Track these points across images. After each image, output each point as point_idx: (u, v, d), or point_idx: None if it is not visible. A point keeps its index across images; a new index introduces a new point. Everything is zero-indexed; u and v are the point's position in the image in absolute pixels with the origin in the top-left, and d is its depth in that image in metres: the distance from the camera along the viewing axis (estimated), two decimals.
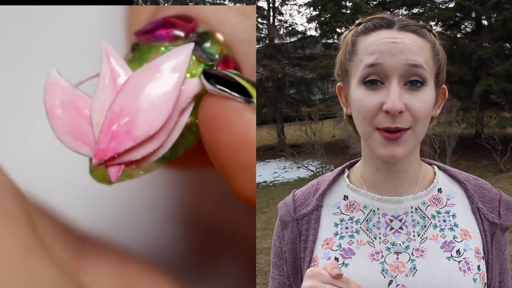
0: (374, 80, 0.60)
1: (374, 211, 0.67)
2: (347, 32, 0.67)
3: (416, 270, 0.63)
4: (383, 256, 0.64)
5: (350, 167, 0.73)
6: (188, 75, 0.55)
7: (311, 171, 7.82)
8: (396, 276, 0.63)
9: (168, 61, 0.53)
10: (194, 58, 0.55)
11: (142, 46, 0.56)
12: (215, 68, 0.56)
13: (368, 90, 0.61)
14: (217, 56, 0.56)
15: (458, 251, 0.64)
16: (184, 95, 0.53)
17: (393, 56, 0.60)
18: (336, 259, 0.65)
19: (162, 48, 0.56)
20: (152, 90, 0.52)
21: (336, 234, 0.67)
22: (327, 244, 0.67)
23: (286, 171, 8.58)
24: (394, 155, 0.61)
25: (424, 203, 0.67)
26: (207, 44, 0.56)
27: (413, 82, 0.60)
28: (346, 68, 0.65)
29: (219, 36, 0.57)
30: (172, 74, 0.52)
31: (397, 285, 0.63)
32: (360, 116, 0.62)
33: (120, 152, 0.52)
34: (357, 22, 0.66)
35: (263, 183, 7.76)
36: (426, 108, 0.61)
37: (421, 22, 0.64)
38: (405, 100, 0.59)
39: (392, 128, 0.59)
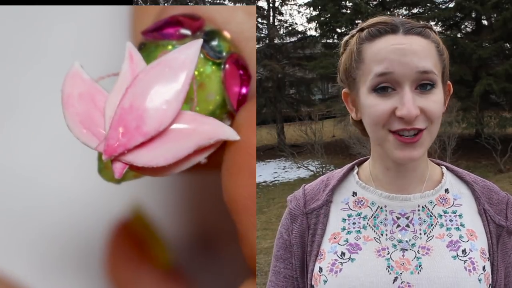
0: (385, 87, 0.61)
1: (381, 208, 0.68)
2: (348, 37, 0.67)
3: (422, 268, 0.63)
4: (389, 253, 0.65)
5: (359, 164, 0.74)
6: (196, 72, 0.55)
7: (311, 171, 7.81)
8: (401, 273, 0.63)
9: (177, 56, 0.53)
10: (202, 56, 0.55)
11: (149, 45, 0.57)
12: (222, 66, 0.56)
13: (380, 97, 0.61)
14: (224, 54, 0.56)
15: (464, 251, 0.64)
16: (208, 134, 0.53)
17: (403, 65, 0.60)
18: (343, 253, 0.66)
19: (170, 47, 0.56)
20: (162, 86, 0.52)
21: (343, 229, 0.68)
22: (334, 238, 0.68)
23: (286, 171, 8.57)
24: (411, 157, 0.62)
25: (431, 202, 0.67)
26: (215, 42, 0.56)
27: (424, 85, 0.61)
28: (353, 76, 0.65)
29: (226, 34, 0.57)
30: (181, 69, 0.53)
31: (402, 282, 0.63)
32: (372, 122, 0.63)
33: (130, 148, 0.52)
34: (359, 27, 0.66)
35: (263, 183, 7.75)
36: (439, 108, 0.62)
37: (422, 22, 0.65)
38: (419, 103, 0.60)
39: (409, 129, 0.60)
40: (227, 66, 0.56)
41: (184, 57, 0.53)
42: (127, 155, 0.52)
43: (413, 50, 0.61)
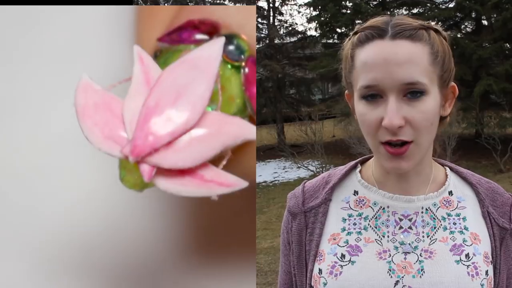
0: (373, 94, 0.60)
1: (383, 208, 0.67)
2: (346, 40, 0.66)
3: (424, 271, 0.63)
4: (390, 255, 0.64)
5: (363, 162, 0.73)
6: None
7: (311, 171, 7.80)
8: (403, 277, 0.63)
9: (201, 55, 0.52)
10: (221, 59, 0.54)
11: (165, 52, 0.56)
12: (242, 70, 0.55)
13: (368, 105, 0.61)
14: (243, 56, 0.55)
15: (467, 255, 0.64)
16: (234, 134, 0.52)
17: (387, 77, 0.59)
18: (343, 255, 0.65)
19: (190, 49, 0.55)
20: (187, 84, 0.51)
21: (343, 229, 0.67)
22: (334, 239, 0.67)
23: (286, 171, 8.57)
24: (400, 168, 0.61)
25: (435, 205, 0.67)
26: (234, 46, 0.55)
27: (413, 93, 0.59)
28: (349, 80, 0.65)
29: (244, 37, 0.56)
30: (205, 67, 0.51)
31: (404, 286, 0.62)
32: (364, 131, 0.63)
33: (157, 148, 0.50)
34: (353, 31, 0.65)
35: (263, 183, 7.75)
36: (427, 118, 0.60)
37: (418, 22, 0.62)
38: (405, 113, 0.59)
39: (394, 140, 0.59)
40: (247, 68, 0.55)
41: (208, 55, 0.52)
42: (154, 156, 0.50)
43: (398, 60, 0.58)
